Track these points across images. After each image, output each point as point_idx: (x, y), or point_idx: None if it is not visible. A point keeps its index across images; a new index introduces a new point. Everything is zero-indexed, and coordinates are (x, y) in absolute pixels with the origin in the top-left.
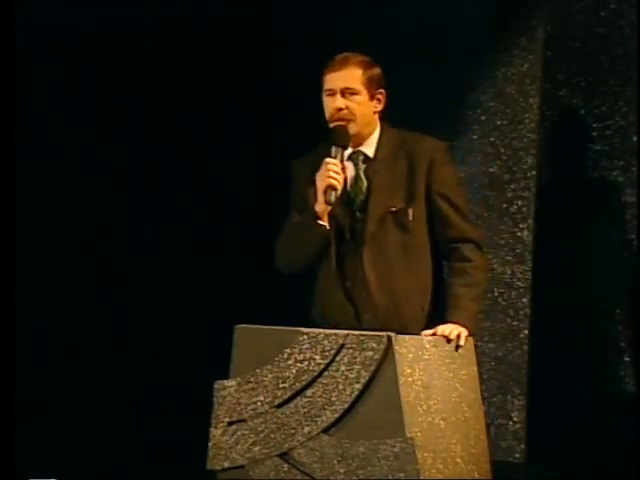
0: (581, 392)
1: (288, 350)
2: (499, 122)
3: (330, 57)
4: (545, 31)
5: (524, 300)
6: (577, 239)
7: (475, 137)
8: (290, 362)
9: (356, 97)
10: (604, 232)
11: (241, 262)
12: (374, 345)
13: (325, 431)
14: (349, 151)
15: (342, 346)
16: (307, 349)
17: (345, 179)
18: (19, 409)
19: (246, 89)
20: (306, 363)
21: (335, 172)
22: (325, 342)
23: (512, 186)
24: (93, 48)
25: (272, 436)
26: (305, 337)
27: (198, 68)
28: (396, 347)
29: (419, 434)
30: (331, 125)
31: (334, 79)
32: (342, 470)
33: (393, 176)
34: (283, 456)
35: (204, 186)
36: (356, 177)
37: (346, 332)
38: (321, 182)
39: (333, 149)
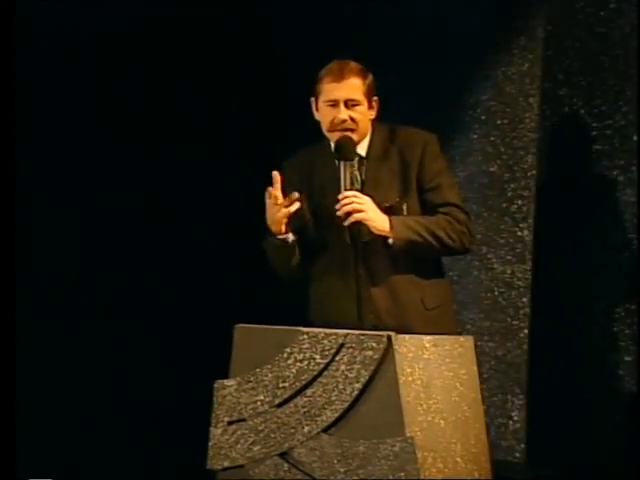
0: (581, 392)
1: (288, 350)
2: (499, 121)
3: (330, 57)
4: (545, 30)
5: (524, 300)
6: (577, 239)
7: (475, 137)
8: (290, 362)
9: (358, 108)
10: (604, 232)
11: (241, 262)
12: (374, 344)
13: (325, 430)
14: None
15: (342, 346)
16: (307, 349)
17: (340, 180)
18: (19, 409)
19: (246, 89)
20: (306, 363)
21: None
22: (325, 342)
23: (512, 186)
24: (93, 48)
25: (272, 435)
26: (305, 337)
27: (198, 69)
28: (396, 347)
29: (419, 433)
30: (334, 136)
31: (336, 90)
32: (342, 469)
33: (386, 172)
34: (283, 455)
35: (204, 186)
36: (352, 178)
37: (346, 332)
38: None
39: (342, 167)
